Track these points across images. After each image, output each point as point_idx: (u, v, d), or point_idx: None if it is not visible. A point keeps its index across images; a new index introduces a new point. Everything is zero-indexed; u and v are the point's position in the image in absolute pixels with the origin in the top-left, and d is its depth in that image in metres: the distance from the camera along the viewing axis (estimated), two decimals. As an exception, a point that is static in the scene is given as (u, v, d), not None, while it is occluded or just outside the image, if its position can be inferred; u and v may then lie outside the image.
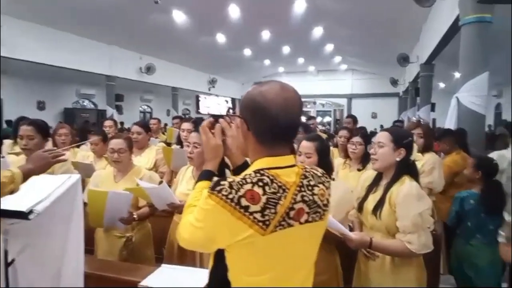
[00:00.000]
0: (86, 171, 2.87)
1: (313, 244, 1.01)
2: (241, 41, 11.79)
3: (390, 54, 11.01)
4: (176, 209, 1.98)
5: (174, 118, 6.69)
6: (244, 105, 0.98)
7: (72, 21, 8.80)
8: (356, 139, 2.88)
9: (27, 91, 11.57)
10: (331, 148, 3.41)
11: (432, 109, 9.21)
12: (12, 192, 1.38)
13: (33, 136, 2.29)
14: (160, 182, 2.14)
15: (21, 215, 1.22)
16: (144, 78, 12.57)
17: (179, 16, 8.88)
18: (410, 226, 1.57)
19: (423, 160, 2.87)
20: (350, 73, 18.57)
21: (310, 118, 7.16)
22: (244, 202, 0.86)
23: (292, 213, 0.91)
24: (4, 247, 1.27)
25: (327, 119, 20.77)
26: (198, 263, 2.07)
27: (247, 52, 13.23)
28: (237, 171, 1.12)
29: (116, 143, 2.34)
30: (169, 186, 2.55)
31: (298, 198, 0.92)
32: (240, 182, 0.88)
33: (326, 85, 18.83)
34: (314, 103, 20.98)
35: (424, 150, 2.98)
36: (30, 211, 1.23)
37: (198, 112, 12.25)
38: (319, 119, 18.39)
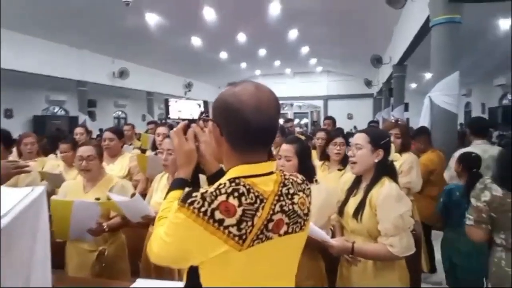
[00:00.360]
0: (55, 181, 2.72)
1: (293, 256, 0.95)
2: (217, 44, 11.71)
3: (364, 55, 11.22)
4: (152, 221, 1.89)
5: (148, 123, 6.54)
6: (216, 108, 0.91)
7: (40, 25, 8.46)
8: (339, 139, 2.86)
9: (-7, 99, 11.05)
10: (310, 150, 3.38)
11: (406, 109, 9.45)
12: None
13: (-6, 147, 2.15)
14: (133, 194, 2.03)
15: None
16: (118, 82, 12.24)
17: (152, 19, 8.72)
18: (392, 228, 1.55)
19: (401, 160, 2.88)
20: (326, 75, 18.85)
21: (287, 120, 7.14)
22: (218, 215, 0.79)
23: (270, 225, 0.85)
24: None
25: (304, 121, 20.96)
26: (177, 277, 1.98)
27: (223, 55, 13.16)
28: (212, 179, 1.04)
29: (84, 150, 2.21)
30: (144, 194, 2.46)
31: (277, 208, 0.86)
32: (214, 193, 0.81)
33: (302, 87, 19.03)
34: (291, 105, 21.15)
35: (402, 150, 3.00)
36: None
37: (167, 117, 11.93)
38: (296, 121, 18.52)
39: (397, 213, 1.56)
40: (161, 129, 3.59)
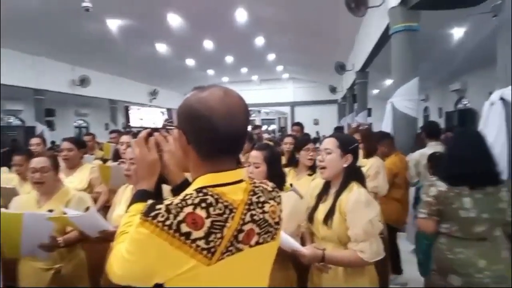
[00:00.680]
0: (8, 196, 2.51)
1: (265, 268, 0.91)
2: (183, 51, 11.55)
3: (328, 62, 11.48)
4: (111, 236, 1.77)
5: (111, 132, 6.29)
6: (181, 114, 0.85)
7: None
8: (311, 145, 2.87)
9: None
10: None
11: (369, 114, 9.74)
12: None
13: None
14: (87, 208, 1.89)
15: None
16: (78, 90, 11.74)
17: (114, 25, 8.43)
18: (362, 234, 1.55)
19: (367, 165, 2.93)
20: (292, 81, 19.14)
21: (255, 127, 7.14)
22: (184, 228, 0.73)
23: (241, 236, 0.80)
24: None
25: (272, 127, 21.11)
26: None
27: (190, 62, 13.01)
28: (176, 190, 0.99)
29: (37, 161, 2.06)
30: (108, 207, 2.31)
31: (247, 218, 0.82)
32: (180, 205, 0.75)
33: (269, 94, 19.20)
34: (259, 111, 21.24)
35: (367, 154, 3.05)
36: None
37: (128, 126, 11.54)
38: (264, 128, 18.63)
39: (366, 219, 1.56)
40: (125, 138, 3.45)
